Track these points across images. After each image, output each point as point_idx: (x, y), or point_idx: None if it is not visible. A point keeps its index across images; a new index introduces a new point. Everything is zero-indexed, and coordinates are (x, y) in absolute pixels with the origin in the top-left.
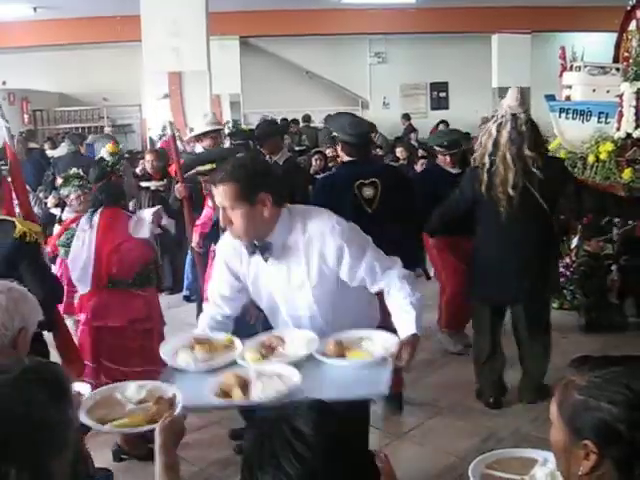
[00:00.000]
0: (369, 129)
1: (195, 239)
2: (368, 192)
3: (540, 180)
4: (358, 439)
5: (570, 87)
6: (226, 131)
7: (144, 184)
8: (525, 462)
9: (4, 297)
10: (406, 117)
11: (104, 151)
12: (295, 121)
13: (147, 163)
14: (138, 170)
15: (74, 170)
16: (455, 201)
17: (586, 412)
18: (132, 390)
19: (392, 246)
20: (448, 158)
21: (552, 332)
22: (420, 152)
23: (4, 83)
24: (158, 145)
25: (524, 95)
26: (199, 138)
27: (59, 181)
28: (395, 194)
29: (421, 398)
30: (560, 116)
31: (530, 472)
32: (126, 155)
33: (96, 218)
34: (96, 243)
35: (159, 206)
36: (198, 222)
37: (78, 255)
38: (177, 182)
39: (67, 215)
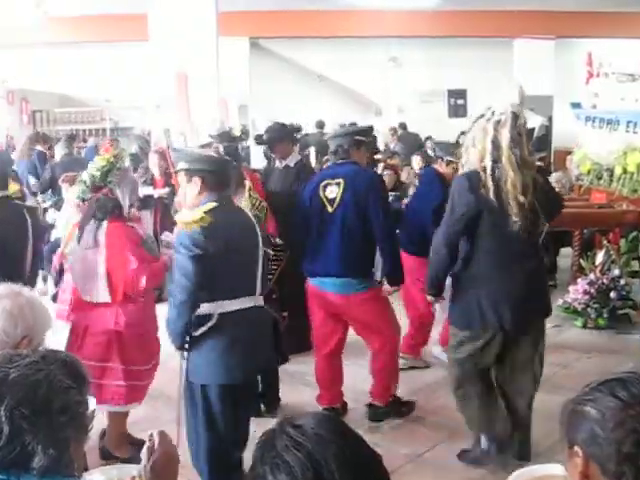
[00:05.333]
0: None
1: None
2: (331, 192)
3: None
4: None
5: (597, 95)
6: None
7: (147, 192)
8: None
9: (9, 302)
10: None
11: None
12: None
13: (152, 165)
14: (138, 175)
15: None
16: (451, 224)
17: (574, 418)
18: (103, 477)
19: (351, 248)
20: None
21: (576, 351)
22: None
23: (4, 82)
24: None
25: (524, 94)
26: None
27: (64, 185)
28: (359, 195)
29: (436, 419)
30: (586, 125)
31: None
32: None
33: (102, 236)
34: (107, 263)
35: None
36: None
37: (83, 272)
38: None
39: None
